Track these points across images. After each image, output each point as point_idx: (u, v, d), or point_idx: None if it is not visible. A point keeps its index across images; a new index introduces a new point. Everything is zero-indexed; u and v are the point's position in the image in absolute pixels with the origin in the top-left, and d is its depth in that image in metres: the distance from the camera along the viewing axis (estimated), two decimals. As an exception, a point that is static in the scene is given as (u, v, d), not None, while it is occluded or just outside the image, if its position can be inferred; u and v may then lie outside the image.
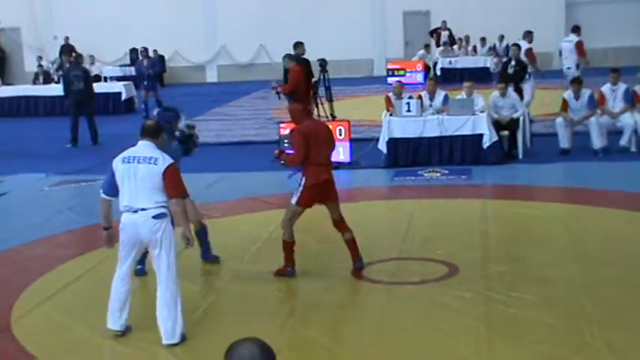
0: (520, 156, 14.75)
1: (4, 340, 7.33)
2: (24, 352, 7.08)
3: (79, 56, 21.77)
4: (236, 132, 19.64)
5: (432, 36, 32.00)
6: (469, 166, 14.06)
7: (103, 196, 7.24)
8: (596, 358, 6.42)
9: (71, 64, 20.75)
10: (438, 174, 13.63)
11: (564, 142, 14.99)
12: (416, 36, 33.74)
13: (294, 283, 8.56)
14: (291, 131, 8.76)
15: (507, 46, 27.71)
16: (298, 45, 17.11)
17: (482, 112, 14.61)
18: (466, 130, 14.32)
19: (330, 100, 17.07)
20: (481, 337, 6.91)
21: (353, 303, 8.11)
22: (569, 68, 20.23)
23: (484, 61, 29.11)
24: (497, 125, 14.62)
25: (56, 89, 25.70)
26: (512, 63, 17.76)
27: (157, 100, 22.38)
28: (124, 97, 25.07)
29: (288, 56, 17.36)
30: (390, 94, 15.98)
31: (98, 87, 25.53)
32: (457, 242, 9.76)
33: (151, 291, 8.39)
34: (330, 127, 10.14)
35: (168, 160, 7.03)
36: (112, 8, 34.69)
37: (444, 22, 31.66)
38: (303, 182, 8.62)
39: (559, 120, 15.11)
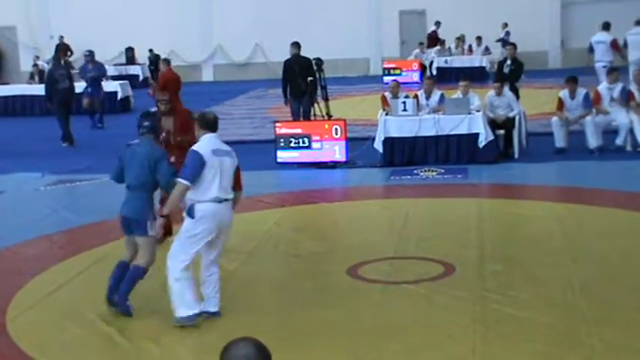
0: (516, 155, 14.76)
1: (0, 340, 7.33)
2: (20, 351, 7.07)
3: (67, 55, 21.63)
4: (232, 131, 19.59)
5: (430, 40, 31.68)
6: (465, 165, 14.07)
7: (187, 183, 7.23)
8: (591, 357, 6.43)
9: (55, 63, 20.68)
10: (434, 173, 13.63)
11: (560, 141, 15.00)
12: (412, 35, 33.73)
13: (288, 283, 8.56)
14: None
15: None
16: (292, 45, 17.13)
17: (478, 111, 14.62)
18: (462, 130, 14.33)
19: (326, 100, 17.06)
20: (477, 336, 6.91)
21: (348, 302, 8.11)
22: (604, 66, 19.91)
23: (480, 60, 29.13)
24: (493, 124, 14.63)
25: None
26: (508, 62, 17.77)
27: (96, 112, 21.42)
28: (119, 96, 25.03)
29: (164, 60, 18.27)
30: (386, 93, 15.99)
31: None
32: (453, 241, 9.77)
33: (141, 288, 8.40)
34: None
35: None
36: (107, 7, 34.64)
37: (438, 22, 31.61)
38: None
39: (555, 119, 15.12)
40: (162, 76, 17.83)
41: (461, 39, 31.16)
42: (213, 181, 7.26)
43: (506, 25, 30.71)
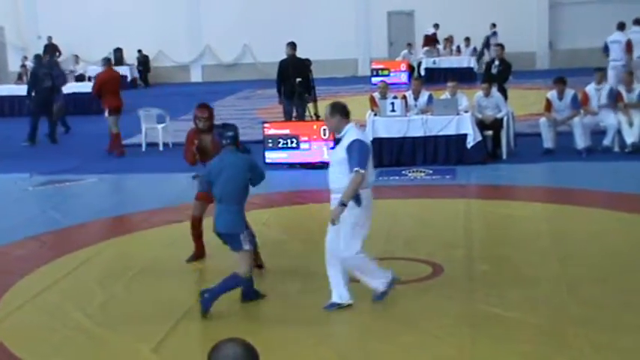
0: (504, 156, 14.79)
1: (-12, 341, 7.31)
2: (8, 352, 7.05)
3: (56, 56, 21.55)
4: (221, 132, 19.59)
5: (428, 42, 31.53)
6: (453, 165, 14.09)
7: (362, 171, 7.33)
8: (579, 357, 6.45)
9: (38, 62, 20.62)
10: (422, 174, 13.66)
11: (548, 142, 15.05)
12: (400, 36, 33.78)
13: (276, 284, 8.55)
14: None
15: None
16: (288, 45, 17.16)
17: (466, 112, 14.65)
18: (450, 130, 14.36)
19: (315, 100, 17.08)
20: (465, 336, 6.93)
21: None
22: (624, 65, 20.15)
23: (468, 61, 29.20)
24: (481, 125, 14.66)
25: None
26: (496, 63, 17.81)
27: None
28: (108, 96, 24.91)
29: (104, 60, 18.28)
30: (375, 94, 16.00)
31: (82, 86, 25.60)
32: (441, 242, 9.79)
33: (134, 290, 8.39)
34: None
35: None
36: (96, 8, 34.58)
37: (437, 25, 31.61)
38: None
39: (543, 120, 15.17)
40: (98, 78, 17.98)
41: (449, 40, 31.23)
42: (370, 168, 7.50)
43: (494, 25, 30.82)
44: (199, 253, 9.36)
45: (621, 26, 21.58)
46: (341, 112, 7.64)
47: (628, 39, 21.06)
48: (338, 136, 7.69)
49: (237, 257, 7.87)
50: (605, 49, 21.47)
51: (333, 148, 8.21)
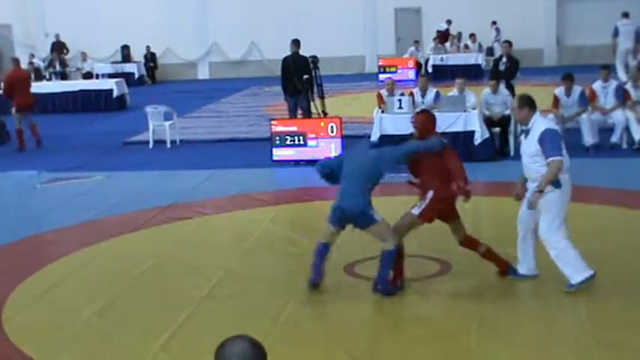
0: (512, 153, 14.76)
1: (-3, 338, 7.33)
2: (17, 350, 7.07)
3: (63, 53, 21.55)
4: (228, 129, 19.62)
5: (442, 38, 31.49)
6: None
7: (562, 158, 7.67)
8: (587, 355, 6.45)
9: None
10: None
11: (556, 138, 14.99)
12: (407, 33, 33.73)
13: (285, 280, 8.56)
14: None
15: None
16: (292, 42, 17.16)
17: (473, 109, 14.62)
18: (458, 127, 14.33)
19: (322, 97, 17.06)
20: (472, 333, 6.92)
21: (345, 300, 8.11)
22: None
23: (476, 58, 29.14)
24: (489, 122, 14.64)
25: (48, 86, 25.71)
26: (504, 60, 17.77)
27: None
28: (115, 94, 24.99)
29: (13, 60, 18.63)
30: (382, 91, 15.99)
31: (90, 84, 25.67)
32: (449, 239, 9.76)
33: (142, 287, 8.39)
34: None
35: None
36: (103, 5, 34.62)
37: (449, 21, 31.57)
38: (431, 195, 8.14)
39: (550, 116, 15.11)
40: (6, 78, 18.43)
41: (456, 36, 31.18)
42: (565, 153, 7.74)
43: (494, 23, 30.68)
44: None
45: (626, 14, 23.91)
46: (529, 104, 7.94)
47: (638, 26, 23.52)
48: (525, 128, 8.01)
49: (374, 233, 7.98)
50: (616, 34, 23.63)
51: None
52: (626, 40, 23.80)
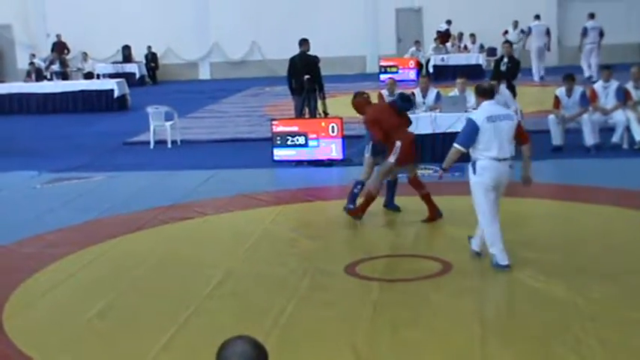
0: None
1: (-3, 339, 7.32)
2: (17, 350, 7.06)
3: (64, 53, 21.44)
4: (229, 129, 19.63)
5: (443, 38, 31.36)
6: (461, 163, 13.99)
7: (460, 148, 8.60)
8: (588, 355, 6.43)
9: None
10: (431, 171, 13.61)
11: (557, 139, 15.01)
12: (408, 33, 33.74)
13: (286, 281, 8.55)
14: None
15: (524, 30, 28.39)
16: (301, 41, 17.19)
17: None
18: (458, 127, 14.15)
19: (323, 98, 17.08)
20: (474, 334, 6.91)
21: (345, 300, 8.11)
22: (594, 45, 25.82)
23: (476, 58, 29.14)
24: (490, 122, 14.60)
25: (48, 86, 25.73)
26: (505, 60, 17.77)
27: None
28: (116, 94, 24.98)
29: None
30: (383, 91, 15.99)
31: (91, 84, 25.68)
32: (450, 239, 9.78)
33: (143, 287, 8.40)
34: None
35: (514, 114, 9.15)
36: (104, 5, 34.64)
37: (449, 21, 31.51)
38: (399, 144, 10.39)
39: (551, 117, 15.14)
40: None
41: (457, 37, 31.17)
42: (490, 143, 8.39)
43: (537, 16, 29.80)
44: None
45: (592, 15, 26.74)
46: (478, 92, 8.76)
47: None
48: None
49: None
50: (584, 34, 26.43)
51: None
52: (593, 40, 26.49)
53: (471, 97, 14.90)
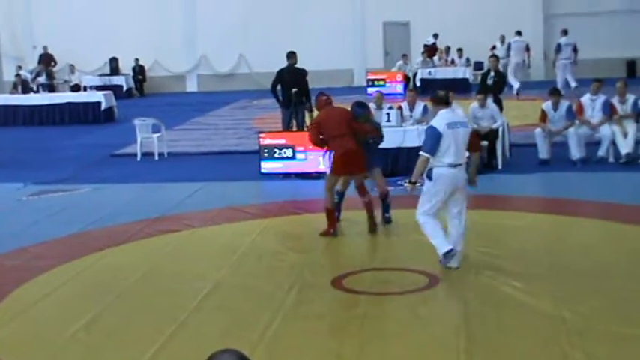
0: (499, 166, 14.80)
1: (-18, 352, 7.27)
2: (2, 363, 7.02)
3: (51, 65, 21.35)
4: (216, 142, 19.63)
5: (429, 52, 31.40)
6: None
7: (427, 156, 8.77)
8: (575, 369, 6.44)
9: None
10: (418, 184, 13.63)
11: (543, 152, 15.07)
12: (396, 47, 33.84)
13: (272, 294, 8.53)
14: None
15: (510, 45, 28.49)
16: (290, 55, 17.21)
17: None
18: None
19: (310, 110, 17.09)
20: (461, 347, 6.91)
21: (333, 313, 8.10)
22: (572, 63, 26.17)
23: (463, 72, 29.22)
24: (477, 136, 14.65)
25: (35, 98, 25.67)
26: (492, 74, 17.83)
27: None
28: (103, 106, 24.96)
29: None
30: (370, 104, 16.00)
31: (78, 96, 25.62)
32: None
33: (129, 300, 8.36)
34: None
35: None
36: (91, 17, 34.61)
37: (436, 35, 31.58)
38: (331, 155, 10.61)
39: (538, 131, 15.19)
40: None
41: (444, 51, 31.27)
42: (447, 150, 8.66)
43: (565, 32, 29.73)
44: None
45: (565, 32, 27.02)
46: (435, 99, 9.07)
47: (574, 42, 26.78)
48: None
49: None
50: (558, 50, 26.79)
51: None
52: (567, 56, 26.59)
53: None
